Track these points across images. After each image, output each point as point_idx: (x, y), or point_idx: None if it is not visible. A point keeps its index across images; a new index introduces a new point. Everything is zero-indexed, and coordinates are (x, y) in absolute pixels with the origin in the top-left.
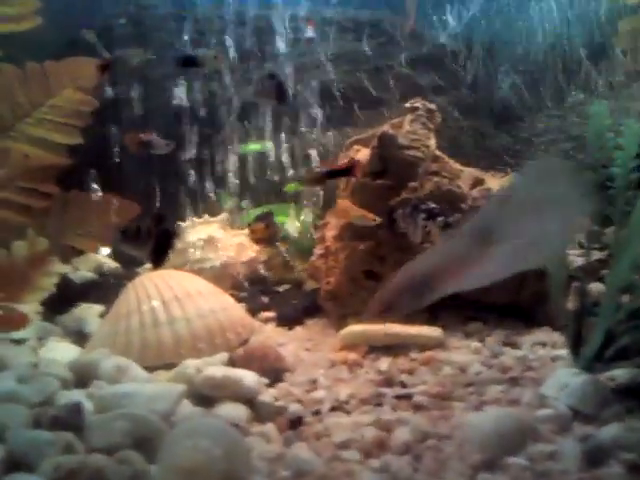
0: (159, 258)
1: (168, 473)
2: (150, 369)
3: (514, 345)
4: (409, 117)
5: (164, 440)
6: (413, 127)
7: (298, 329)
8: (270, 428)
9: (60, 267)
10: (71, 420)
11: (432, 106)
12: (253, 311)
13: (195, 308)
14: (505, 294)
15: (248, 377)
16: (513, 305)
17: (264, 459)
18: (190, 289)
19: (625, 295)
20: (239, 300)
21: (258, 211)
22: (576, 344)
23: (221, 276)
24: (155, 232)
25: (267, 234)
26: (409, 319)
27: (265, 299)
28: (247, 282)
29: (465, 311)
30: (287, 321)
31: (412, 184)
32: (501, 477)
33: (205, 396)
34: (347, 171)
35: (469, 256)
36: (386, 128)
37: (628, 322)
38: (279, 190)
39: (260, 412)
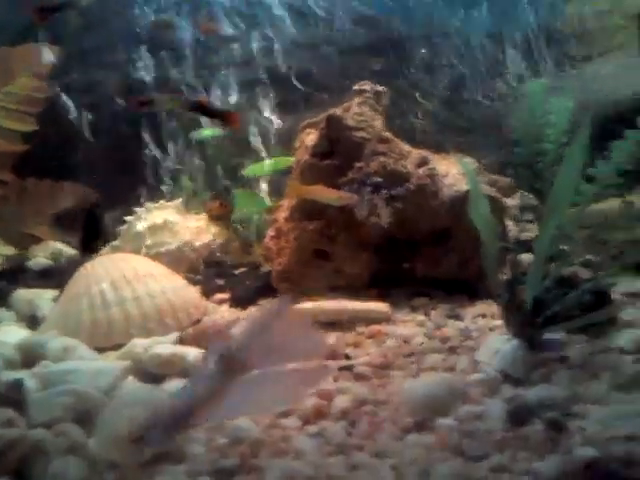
0: (88, 244)
1: (105, 443)
2: (101, 350)
3: (457, 317)
4: (357, 99)
5: (102, 412)
6: (361, 109)
7: (252, 309)
8: None
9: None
10: (11, 396)
11: (380, 88)
12: (208, 293)
13: (145, 289)
14: (451, 270)
15: (194, 354)
16: (459, 280)
17: (203, 428)
18: (140, 271)
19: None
20: (195, 283)
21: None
22: (508, 312)
23: (177, 259)
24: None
25: (222, 212)
26: (359, 295)
27: (220, 281)
28: (203, 265)
29: (414, 287)
30: (241, 302)
31: (358, 164)
32: (428, 437)
33: (152, 374)
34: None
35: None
36: (333, 110)
37: (556, 289)
38: (238, 174)
39: None
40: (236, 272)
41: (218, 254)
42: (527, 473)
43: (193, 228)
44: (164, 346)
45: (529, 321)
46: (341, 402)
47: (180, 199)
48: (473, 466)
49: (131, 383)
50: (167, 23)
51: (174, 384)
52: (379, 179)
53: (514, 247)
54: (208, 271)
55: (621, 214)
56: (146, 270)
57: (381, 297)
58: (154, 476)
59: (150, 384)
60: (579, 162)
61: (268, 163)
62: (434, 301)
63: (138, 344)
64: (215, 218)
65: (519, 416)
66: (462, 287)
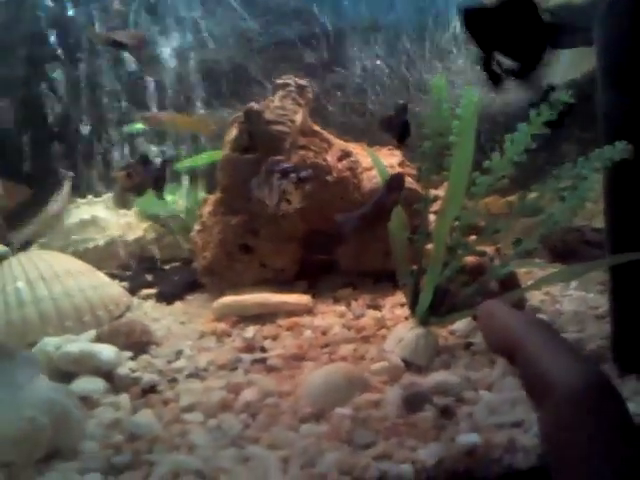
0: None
1: None
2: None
3: (377, 307)
4: (280, 93)
5: None
6: (282, 103)
7: (177, 304)
8: (123, 398)
9: None
10: None
11: (303, 82)
12: (135, 289)
13: (62, 287)
14: (374, 261)
15: (106, 351)
16: (384, 271)
17: (102, 426)
18: (58, 269)
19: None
20: (123, 279)
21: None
22: (413, 301)
23: (105, 256)
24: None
25: (131, 183)
26: (285, 288)
27: (149, 277)
28: (133, 261)
29: (341, 278)
30: (167, 297)
31: (278, 157)
32: (324, 426)
33: (64, 372)
34: None
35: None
36: (252, 104)
37: (458, 278)
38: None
39: (117, 384)
40: (166, 267)
41: (150, 249)
42: (409, 460)
43: (123, 224)
44: (75, 344)
45: (436, 310)
46: (248, 395)
47: (110, 194)
48: (358, 454)
49: (43, 382)
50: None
51: (83, 382)
52: (286, 164)
53: (419, 237)
54: (138, 267)
55: (517, 204)
56: (64, 268)
57: (309, 289)
58: (45, 473)
59: (59, 382)
60: (469, 153)
61: (200, 157)
62: (358, 291)
63: (49, 342)
64: (125, 190)
65: (413, 403)
66: (388, 277)
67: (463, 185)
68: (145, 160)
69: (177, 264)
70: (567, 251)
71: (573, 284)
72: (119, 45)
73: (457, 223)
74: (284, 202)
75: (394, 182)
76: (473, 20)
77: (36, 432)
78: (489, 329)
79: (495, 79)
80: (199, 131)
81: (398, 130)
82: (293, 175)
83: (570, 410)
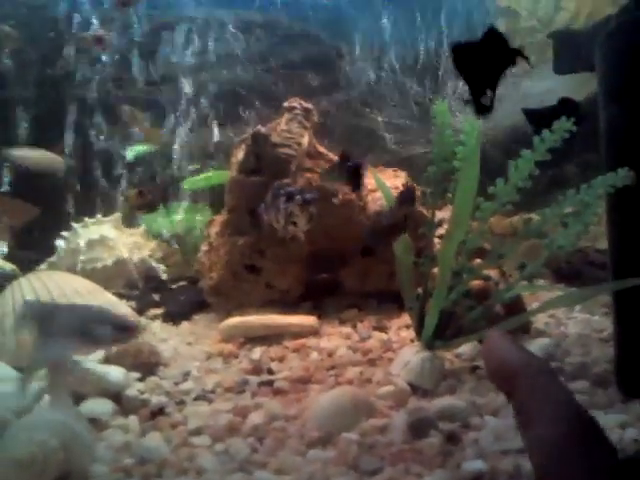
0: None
1: (5, 466)
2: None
3: (383, 329)
4: (286, 116)
5: (3, 436)
6: (289, 126)
7: (184, 324)
8: (132, 420)
9: None
10: None
11: (309, 105)
12: (143, 309)
13: None
14: (380, 282)
15: (114, 372)
16: (388, 292)
17: (112, 449)
18: (66, 289)
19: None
20: (130, 298)
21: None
22: (419, 324)
23: (113, 275)
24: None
25: (142, 201)
26: (291, 309)
27: (156, 296)
28: (141, 280)
29: (346, 299)
30: (174, 317)
31: (285, 180)
32: (331, 451)
33: (73, 392)
34: None
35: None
36: (259, 127)
37: (466, 301)
38: (177, 188)
39: (125, 406)
40: (173, 287)
41: (157, 268)
42: None
43: (131, 243)
44: (85, 365)
45: (441, 334)
46: (255, 418)
47: (117, 213)
48: None
49: (49, 405)
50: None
51: (92, 403)
52: (291, 188)
53: (424, 261)
54: (145, 286)
55: (522, 229)
56: (73, 288)
57: (314, 310)
58: None
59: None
60: (473, 179)
61: (205, 177)
62: (363, 313)
63: None
64: (135, 208)
65: (419, 428)
66: (393, 298)
67: (468, 210)
68: (154, 179)
69: (184, 283)
70: (571, 272)
71: (578, 307)
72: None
73: (463, 247)
74: (291, 225)
75: (406, 195)
76: (459, 55)
77: (46, 455)
78: (489, 364)
79: (481, 109)
80: (150, 140)
81: (351, 178)
82: (298, 197)
83: (557, 460)
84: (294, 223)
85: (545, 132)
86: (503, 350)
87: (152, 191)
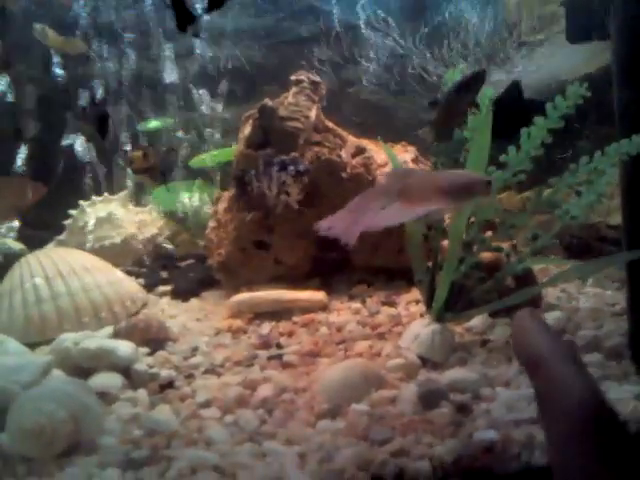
0: None
1: (15, 437)
2: (34, 345)
3: (392, 304)
4: (294, 89)
5: (11, 407)
6: (296, 99)
7: (193, 301)
8: (141, 393)
9: None
10: None
11: (316, 78)
12: (151, 286)
13: (80, 283)
14: (387, 258)
15: (123, 347)
16: (397, 267)
17: (121, 421)
18: (75, 265)
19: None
20: (139, 275)
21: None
22: (429, 298)
23: (122, 253)
24: None
25: (146, 164)
26: (300, 285)
27: (165, 274)
28: (149, 258)
29: (355, 275)
30: (182, 294)
31: (293, 154)
32: (340, 422)
33: (82, 367)
34: None
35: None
36: (266, 101)
37: (474, 275)
38: (185, 166)
39: (134, 379)
40: (181, 264)
41: (165, 246)
42: (426, 457)
43: (138, 221)
44: (93, 340)
45: (452, 306)
46: (264, 391)
47: (125, 192)
48: (375, 450)
49: (57, 377)
50: None
51: (101, 377)
52: (285, 157)
53: (435, 234)
54: (154, 264)
55: (533, 200)
56: (82, 264)
57: (323, 286)
58: (65, 468)
59: (77, 378)
60: (484, 147)
61: (212, 154)
62: (372, 288)
63: (67, 338)
64: (139, 171)
65: (429, 399)
66: (400, 273)
67: None
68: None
69: (192, 261)
70: (583, 248)
71: (589, 281)
72: None
73: (473, 219)
74: (284, 194)
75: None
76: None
77: (55, 426)
78: (516, 343)
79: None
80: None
81: (95, 122)
82: (292, 168)
83: (575, 438)
84: (287, 193)
85: (558, 99)
86: (531, 331)
87: (157, 154)
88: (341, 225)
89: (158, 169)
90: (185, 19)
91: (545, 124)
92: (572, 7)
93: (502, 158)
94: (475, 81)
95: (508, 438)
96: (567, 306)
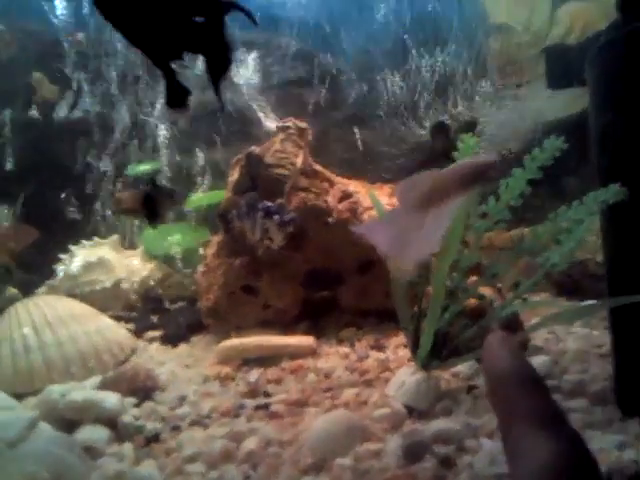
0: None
1: None
2: (22, 396)
3: (380, 348)
4: (280, 136)
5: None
6: (283, 146)
7: (182, 346)
8: (127, 447)
9: None
10: None
11: (303, 125)
12: (141, 331)
13: (67, 332)
14: (375, 300)
15: (110, 399)
16: (386, 310)
17: (106, 478)
18: (63, 314)
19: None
20: (129, 320)
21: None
22: (415, 345)
23: (112, 297)
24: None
25: (134, 205)
26: (288, 329)
27: (155, 318)
28: (140, 302)
29: (344, 317)
30: (171, 340)
31: (279, 200)
32: (324, 478)
33: (68, 420)
34: None
35: None
36: (252, 148)
37: (458, 321)
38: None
39: (121, 432)
40: (171, 308)
41: (156, 290)
42: None
43: (129, 264)
44: (79, 392)
45: (437, 354)
46: (250, 444)
47: (115, 235)
48: None
49: (43, 433)
50: None
51: (88, 430)
52: (270, 203)
53: (419, 280)
54: (144, 308)
55: (516, 247)
56: (70, 312)
57: (311, 329)
58: None
59: (64, 431)
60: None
61: (203, 196)
62: (361, 331)
63: (54, 390)
64: (125, 212)
65: (413, 452)
66: (391, 316)
67: (460, 228)
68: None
69: (183, 304)
70: (572, 285)
71: (578, 321)
72: None
73: (458, 264)
74: (267, 240)
75: (436, 128)
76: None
77: None
78: (483, 366)
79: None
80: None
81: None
82: (277, 217)
83: None
84: (270, 239)
85: (535, 150)
86: (496, 354)
87: (142, 196)
88: (383, 236)
89: (142, 211)
90: (178, 96)
91: (523, 175)
92: (552, 55)
93: (481, 208)
94: (437, 131)
95: None
96: (554, 348)
